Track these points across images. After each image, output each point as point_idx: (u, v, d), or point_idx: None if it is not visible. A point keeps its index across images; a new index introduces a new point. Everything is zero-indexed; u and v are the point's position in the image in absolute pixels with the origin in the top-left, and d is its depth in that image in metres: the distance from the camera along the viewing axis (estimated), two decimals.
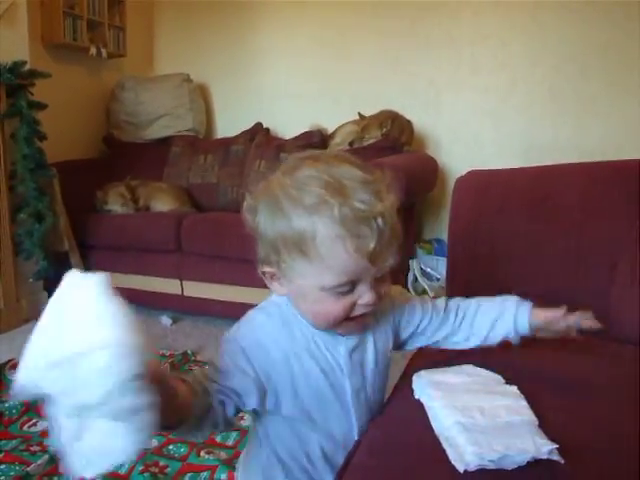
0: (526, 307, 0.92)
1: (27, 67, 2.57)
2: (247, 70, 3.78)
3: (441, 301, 0.95)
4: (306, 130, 3.32)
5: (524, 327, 0.90)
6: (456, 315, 0.93)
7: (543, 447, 0.66)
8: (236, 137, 3.46)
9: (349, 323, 0.75)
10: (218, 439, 1.68)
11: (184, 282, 2.79)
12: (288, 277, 0.73)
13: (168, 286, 2.83)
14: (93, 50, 3.45)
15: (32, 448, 1.64)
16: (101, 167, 3.53)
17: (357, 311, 0.73)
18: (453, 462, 0.68)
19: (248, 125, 3.51)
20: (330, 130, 3.34)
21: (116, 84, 3.66)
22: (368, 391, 0.83)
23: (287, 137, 3.41)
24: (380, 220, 0.67)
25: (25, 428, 1.76)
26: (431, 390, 0.81)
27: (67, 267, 2.91)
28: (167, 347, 2.42)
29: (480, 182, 1.44)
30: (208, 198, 3.29)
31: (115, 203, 3.07)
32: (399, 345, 0.91)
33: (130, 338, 0.55)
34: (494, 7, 3.15)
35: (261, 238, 0.73)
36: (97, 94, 3.68)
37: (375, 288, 0.72)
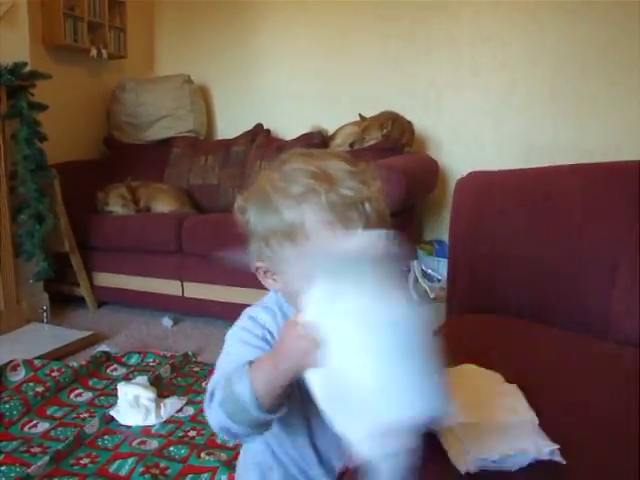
0: None
1: (28, 68, 2.57)
2: (248, 71, 3.79)
3: None
4: (307, 131, 3.32)
5: None
6: None
7: (544, 448, 0.66)
8: (237, 138, 3.46)
9: None
10: (219, 440, 1.68)
11: (185, 283, 2.79)
12: (280, 269, 0.74)
13: (169, 287, 2.82)
14: (94, 51, 3.45)
15: (33, 449, 1.64)
16: (102, 168, 3.54)
17: None
18: (454, 463, 0.67)
19: (249, 126, 3.51)
20: (331, 131, 3.34)
21: (117, 85, 3.66)
22: None
23: (288, 138, 3.41)
24: (367, 205, 0.68)
25: (26, 429, 1.76)
26: None
27: (68, 268, 2.91)
28: (168, 348, 2.42)
29: (481, 183, 1.44)
30: (209, 199, 3.29)
31: (116, 204, 3.07)
32: None
33: None
34: (494, 7, 3.15)
35: (252, 233, 0.74)
36: (98, 95, 3.68)
37: None
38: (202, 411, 1.70)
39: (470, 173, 1.48)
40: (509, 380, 0.84)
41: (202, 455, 1.60)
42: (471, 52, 3.23)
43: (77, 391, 2.03)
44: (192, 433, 1.74)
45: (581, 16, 2.95)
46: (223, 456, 1.59)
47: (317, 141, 3.19)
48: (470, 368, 0.88)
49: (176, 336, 2.63)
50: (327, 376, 0.58)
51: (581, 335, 1.14)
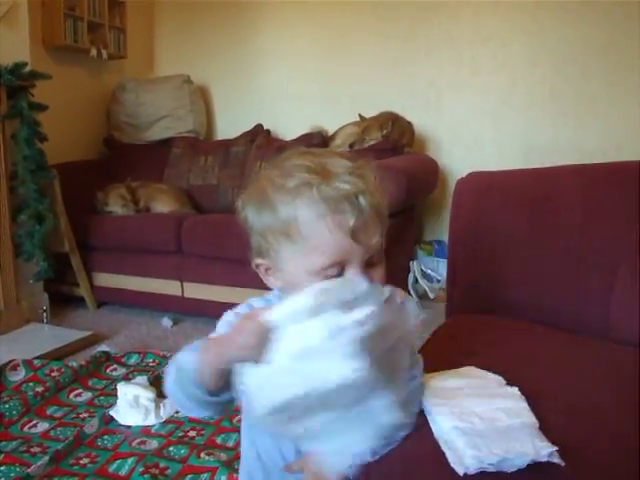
0: None
1: (28, 68, 2.57)
2: (248, 71, 3.79)
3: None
4: (307, 132, 3.32)
5: None
6: None
7: (543, 450, 0.66)
8: (237, 138, 3.46)
9: None
10: (218, 441, 1.68)
11: (184, 283, 2.79)
12: (278, 265, 0.73)
13: (168, 287, 2.83)
14: (94, 51, 3.45)
15: (32, 449, 1.64)
16: (101, 168, 3.54)
17: None
18: (453, 465, 0.67)
19: (249, 126, 3.51)
20: (331, 132, 3.34)
21: (117, 85, 3.66)
22: None
23: (288, 138, 3.41)
24: (362, 198, 0.68)
25: (25, 429, 1.76)
26: (429, 397, 0.80)
27: (68, 268, 2.90)
28: (168, 348, 2.42)
29: (481, 183, 1.44)
30: (208, 199, 3.29)
31: (115, 204, 3.07)
32: None
33: None
34: (494, 8, 3.15)
35: (251, 230, 0.75)
36: (98, 95, 3.68)
37: (365, 273, 0.70)
38: None
39: (470, 173, 1.48)
40: (509, 381, 0.84)
41: (202, 455, 1.60)
42: (471, 52, 3.23)
43: (77, 391, 2.03)
44: (192, 433, 1.74)
45: (581, 16, 2.95)
46: (223, 456, 1.59)
47: (317, 141, 3.19)
48: (471, 370, 0.87)
49: (176, 336, 2.63)
50: (262, 375, 0.60)
51: (581, 335, 1.14)
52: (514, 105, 3.18)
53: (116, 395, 1.87)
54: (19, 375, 2.09)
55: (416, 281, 3.04)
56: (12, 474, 1.50)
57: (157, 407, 1.82)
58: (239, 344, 0.63)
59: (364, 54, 3.48)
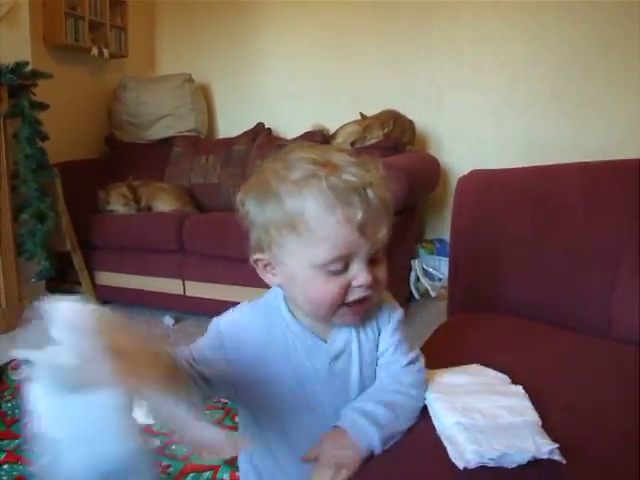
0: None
1: (29, 68, 2.57)
2: (249, 70, 3.79)
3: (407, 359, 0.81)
4: (308, 130, 3.32)
5: None
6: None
7: (544, 447, 0.66)
8: (238, 137, 3.46)
9: (345, 310, 0.72)
10: None
11: (186, 282, 2.79)
12: (280, 260, 0.72)
13: (170, 286, 2.83)
14: (95, 51, 3.45)
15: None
16: (103, 167, 3.54)
17: (353, 295, 0.70)
18: (453, 460, 0.68)
19: (250, 125, 3.51)
20: (332, 130, 3.34)
21: (118, 84, 3.67)
22: None
23: (289, 137, 3.41)
24: (369, 190, 0.67)
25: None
26: (432, 392, 0.80)
27: (69, 267, 2.90)
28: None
29: (482, 182, 1.44)
30: (210, 198, 3.29)
31: (117, 203, 3.08)
32: None
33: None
34: (495, 6, 3.14)
35: (252, 224, 0.73)
36: (99, 94, 3.68)
37: (370, 270, 0.70)
38: None
39: (471, 172, 1.48)
40: (510, 379, 0.84)
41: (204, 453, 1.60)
42: (472, 51, 3.23)
43: None
44: None
45: (582, 16, 2.95)
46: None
47: (318, 140, 3.19)
48: (476, 367, 0.87)
49: (177, 335, 2.63)
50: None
51: (582, 333, 1.14)
52: (515, 104, 3.18)
53: None
54: (21, 374, 2.09)
55: (418, 280, 3.04)
56: (14, 473, 1.51)
57: None
58: None
59: (365, 53, 3.47)
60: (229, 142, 3.46)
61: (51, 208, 2.68)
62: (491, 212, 1.37)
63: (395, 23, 3.37)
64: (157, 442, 1.67)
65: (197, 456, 1.59)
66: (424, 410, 0.78)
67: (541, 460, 0.65)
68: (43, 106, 2.64)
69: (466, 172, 1.49)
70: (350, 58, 3.51)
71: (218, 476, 1.50)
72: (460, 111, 3.31)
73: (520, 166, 1.50)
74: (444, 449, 0.69)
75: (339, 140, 3.21)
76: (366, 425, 0.72)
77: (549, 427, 0.71)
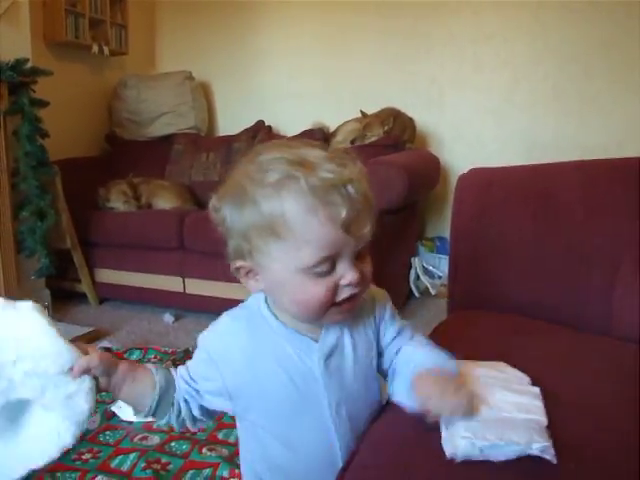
0: None
1: (29, 65, 2.56)
2: (249, 68, 3.78)
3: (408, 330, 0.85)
4: (308, 128, 3.32)
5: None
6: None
7: (535, 443, 0.65)
8: (238, 135, 3.46)
9: (335, 309, 0.70)
10: (220, 436, 1.69)
11: (186, 280, 2.79)
12: (263, 266, 0.70)
13: (170, 283, 2.83)
14: (95, 48, 3.45)
15: None
16: (103, 165, 3.54)
17: (342, 294, 0.69)
18: (443, 444, 0.68)
19: (250, 123, 3.51)
20: (332, 128, 3.34)
21: (118, 82, 3.67)
22: (352, 404, 0.77)
23: (289, 135, 3.41)
24: (350, 187, 0.65)
25: None
26: None
27: (69, 265, 2.90)
28: (169, 344, 2.43)
29: (482, 180, 1.44)
30: (210, 196, 3.28)
31: (117, 201, 3.08)
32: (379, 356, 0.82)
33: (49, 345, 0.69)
34: (496, 6, 3.15)
35: (230, 232, 0.71)
36: (99, 92, 3.68)
37: (357, 266, 0.68)
38: None
39: (471, 170, 1.48)
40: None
41: (204, 451, 1.60)
42: (473, 50, 3.23)
43: None
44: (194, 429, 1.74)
45: (583, 15, 2.95)
46: (225, 452, 1.59)
47: (318, 138, 3.19)
48: (500, 365, 0.87)
49: (177, 332, 2.64)
50: None
51: (582, 332, 1.14)
52: (516, 103, 3.18)
53: None
54: None
55: (418, 277, 3.05)
56: None
57: None
58: None
59: (365, 51, 3.47)
60: (229, 140, 3.46)
61: (51, 205, 2.68)
62: (491, 210, 1.37)
63: (396, 21, 3.37)
64: (156, 439, 1.68)
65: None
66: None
67: (542, 461, 0.65)
68: (43, 103, 2.64)
69: (466, 170, 1.49)
70: (351, 56, 3.51)
71: (218, 473, 1.50)
72: (461, 110, 3.31)
73: (520, 164, 1.50)
74: (431, 437, 0.69)
75: (339, 138, 3.21)
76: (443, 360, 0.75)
77: (548, 426, 0.71)
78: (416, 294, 3.02)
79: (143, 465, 1.52)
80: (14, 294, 2.61)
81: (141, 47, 3.94)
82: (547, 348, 1.03)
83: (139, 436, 1.70)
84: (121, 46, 3.69)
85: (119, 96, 3.63)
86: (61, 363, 0.67)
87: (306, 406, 0.74)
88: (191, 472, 1.51)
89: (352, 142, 3.12)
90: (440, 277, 3.07)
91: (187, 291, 2.80)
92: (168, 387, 0.76)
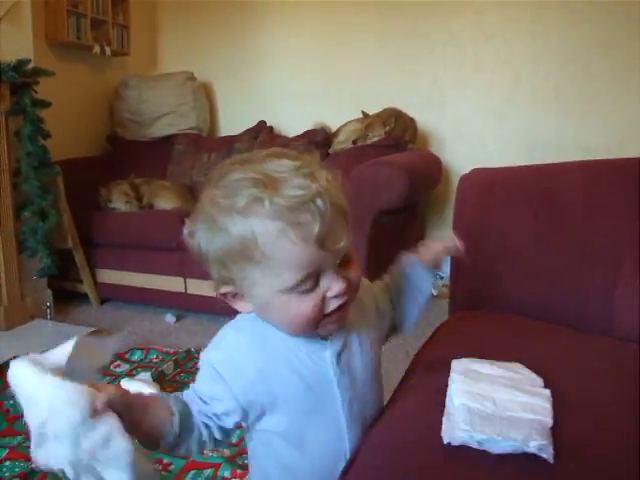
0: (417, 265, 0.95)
1: (31, 65, 2.57)
2: (250, 68, 3.79)
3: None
4: (309, 128, 3.32)
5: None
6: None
7: (532, 441, 0.65)
8: (240, 135, 3.46)
9: (326, 320, 0.69)
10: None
11: (187, 280, 2.79)
12: (246, 291, 0.69)
13: (172, 284, 2.83)
14: (97, 48, 3.45)
15: None
16: (105, 165, 3.55)
17: (331, 305, 0.68)
18: (442, 434, 0.68)
19: (251, 123, 3.52)
20: (333, 128, 3.34)
21: (120, 82, 3.67)
22: (361, 402, 0.77)
23: (290, 135, 3.41)
24: (319, 201, 0.62)
25: None
26: (456, 373, 0.81)
27: (71, 265, 2.90)
28: (171, 345, 2.43)
29: (484, 180, 1.44)
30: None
31: (119, 201, 3.08)
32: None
33: (63, 392, 0.58)
34: (497, 6, 3.14)
35: (207, 259, 0.69)
36: (101, 92, 3.69)
37: (342, 275, 0.67)
38: None
39: (473, 170, 1.48)
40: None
41: (205, 451, 1.60)
42: (474, 50, 3.22)
43: None
44: None
45: (584, 15, 2.95)
46: (226, 452, 1.59)
47: (320, 138, 3.20)
48: (516, 365, 0.87)
49: (179, 332, 2.64)
50: None
51: (584, 332, 1.14)
52: (517, 103, 3.18)
53: None
54: None
55: None
56: (17, 469, 1.51)
57: None
58: None
59: (366, 51, 3.47)
60: (231, 140, 3.46)
61: (53, 206, 2.68)
62: (493, 210, 1.37)
63: (397, 21, 3.37)
64: None
65: None
66: (425, 408, 0.79)
67: (542, 461, 0.65)
68: (45, 104, 2.64)
69: (468, 170, 1.49)
70: (352, 56, 3.51)
71: (219, 474, 1.50)
72: (462, 110, 3.30)
73: (522, 164, 1.50)
74: (446, 449, 0.69)
75: (341, 138, 3.21)
76: None
77: (552, 427, 0.71)
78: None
79: None
80: (16, 294, 2.61)
81: (143, 47, 3.95)
82: (548, 348, 1.03)
83: None
84: (123, 46, 3.70)
85: (121, 96, 3.64)
86: (80, 409, 0.57)
87: (321, 407, 0.74)
88: (192, 472, 1.52)
89: (354, 142, 3.12)
90: (442, 277, 3.06)
91: (188, 291, 2.80)
92: (186, 411, 0.71)
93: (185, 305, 2.85)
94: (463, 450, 0.67)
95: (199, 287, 2.77)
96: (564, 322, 1.18)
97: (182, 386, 2.03)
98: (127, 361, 2.27)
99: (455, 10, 3.23)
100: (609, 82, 2.95)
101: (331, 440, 0.75)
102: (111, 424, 0.58)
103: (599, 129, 3.00)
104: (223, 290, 0.71)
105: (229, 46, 3.82)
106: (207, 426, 0.72)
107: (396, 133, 3.03)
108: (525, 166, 1.48)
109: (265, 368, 0.71)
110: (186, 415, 0.70)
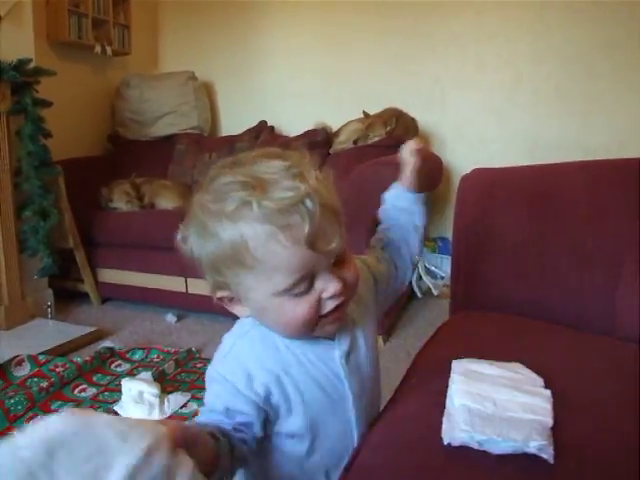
0: (401, 191, 0.94)
1: (32, 65, 2.57)
2: (252, 68, 3.79)
3: (375, 249, 0.94)
4: (310, 128, 3.32)
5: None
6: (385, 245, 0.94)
7: (532, 442, 0.65)
8: (241, 135, 3.47)
9: (323, 322, 0.69)
10: None
11: (188, 279, 2.79)
12: (242, 295, 0.69)
13: (173, 283, 2.83)
14: (98, 48, 3.46)
15: None
16: (106, 165, 3.55)
17: (328, 306, 0.67)
18: (442, 435, 0.68)
19: (253, 123, 3.52)
20: (334, 128, 3.34)
21: (121, 82, 3.67)
22: (368, 397, 0.78)
23: (292, 135, 3.41)
24: (308, 202, 0.61)
25: (30, 424, 1.77)
26: (457, 374, 0.81)
27: (72, 264, 2.91)
28: (172, 344, 2.43)
29: (485, 180, 1.44)
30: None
31: (120, 200, 3.08)
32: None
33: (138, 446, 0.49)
34: (499, 5, 3.15)
35: (200, 264, 0.69)
36: (102, 92, 3.69)
37: (337, 274, 0.66)
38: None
39: (474, 170, 1.48)
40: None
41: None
42: (476, 50, 3.23)
43: (81, 387, 2.04)
44: None
45: (586, 15, 2.95)
46: None
47: (321, 138, 3.20)
48: (516, 365, 0.87)
49: (180, 332, 2.64)
50: None
51: (584, 332, 1.14)
52: (519, 103, 3.18)
53: (120, 391, 1.87)
54: (24, 370, 2.10)
55: (420, 278, 3.04)
56: None
57: (161, 402, 1.83)
58: None
59: (367, 51, 3.48)
60: (232, 139, 3.46)
61: (54, 205, 2.68)
62: (493, 210, 1.37)
63: (398, 21, 3.37)
64: None
65: None
66: (426, 408, 0.79)
67: (543, 462, 0.65)
68: (46, 103, 2.64)
69: (469, 170, 1.49)
70: (353, 56, 3.51)
71: None
72: (463, 110, 3.30)
73: (523, 165, 1.50)
74: (447, 449, 0.69)
75: (342, 138, 3.21)
76: None
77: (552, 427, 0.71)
78: (418, 294, 3.02)
79: None
80: (17, 294, 2.61)
81: (144, 47, 3.95)
82: (548, 348, 1.03)
83: None
84: (124, 46, 3.70)
85: (122, 96, 3.64)
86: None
87: (333, 407, 0.74)
88: None
89: (355, 142, 3.12)
90: (442, 277, 3.07)
91: (189, 291, 2.81)
92: (225, 432, 0.66)
93: (186, 305, 2.85)
94: (463, 450, 0.67)
95: (200, 287, 2.76)
96: (564, 322, 1.18)
97: (183, 386, 2.04)
98: (128, 360, 2.27)
99: (456, 10, 3.23)
100: (611, 82, 2.95)
101: (340, 435, 0.76)
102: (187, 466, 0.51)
103: (601, 129, 2.99)
104: (219, 295, 0.71)
105: (230, 46, 3.82)
106: (243, 441, 0.68)
107: (397, 133, 3.03)
108: (526, 166, 1.48)
109: (278, 372, 0.70)
110: (226, 440, 0.65)
